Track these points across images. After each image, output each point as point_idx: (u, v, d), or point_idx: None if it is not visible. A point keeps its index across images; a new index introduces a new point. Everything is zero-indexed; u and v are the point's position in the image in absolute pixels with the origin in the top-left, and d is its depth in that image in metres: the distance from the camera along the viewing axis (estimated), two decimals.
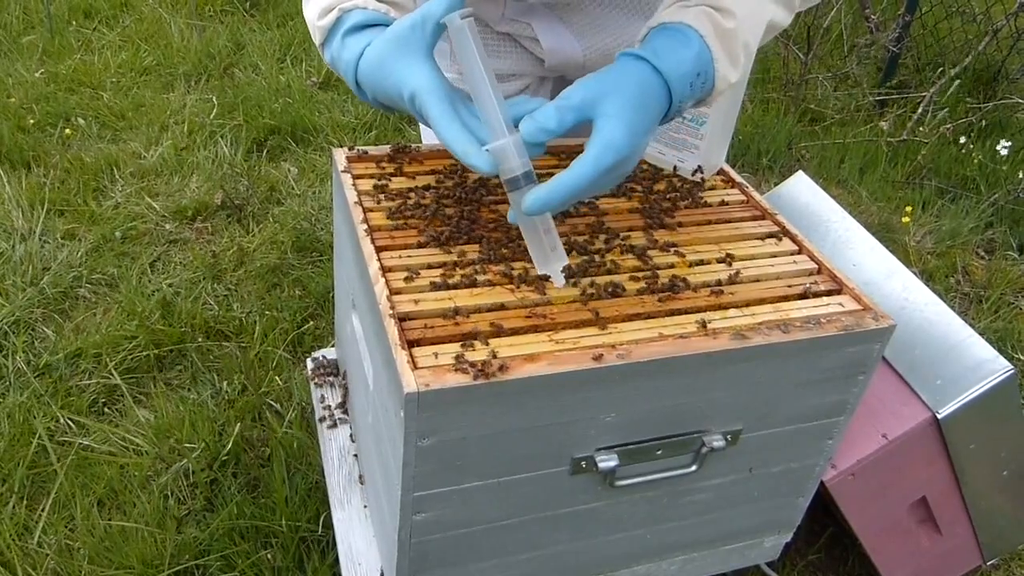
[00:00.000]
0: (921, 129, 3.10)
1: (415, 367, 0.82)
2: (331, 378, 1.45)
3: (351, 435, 1.34)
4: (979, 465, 1.35)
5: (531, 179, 0.83)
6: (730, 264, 1.03)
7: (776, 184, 2.68)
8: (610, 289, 0.95)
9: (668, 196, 1.14)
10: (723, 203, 1.16)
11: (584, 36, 1.16)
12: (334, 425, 1.36)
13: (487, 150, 0.81)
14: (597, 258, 1.00)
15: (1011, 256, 2.58)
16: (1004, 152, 2.86)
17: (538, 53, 1.18)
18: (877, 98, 3.39)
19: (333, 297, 2.11)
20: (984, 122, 3.17)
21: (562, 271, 0.92)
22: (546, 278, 0.94)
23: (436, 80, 0.83)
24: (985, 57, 3.45)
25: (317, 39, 0.95)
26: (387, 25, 0.89)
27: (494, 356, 0.84)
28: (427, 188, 1.09)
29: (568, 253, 1.00)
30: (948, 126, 3.05)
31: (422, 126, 1.39)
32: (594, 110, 0.81)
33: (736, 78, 0.89)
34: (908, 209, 2.65)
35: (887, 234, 2.57)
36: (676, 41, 0.85)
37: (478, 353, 0.84)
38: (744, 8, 0.87)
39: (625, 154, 0.81)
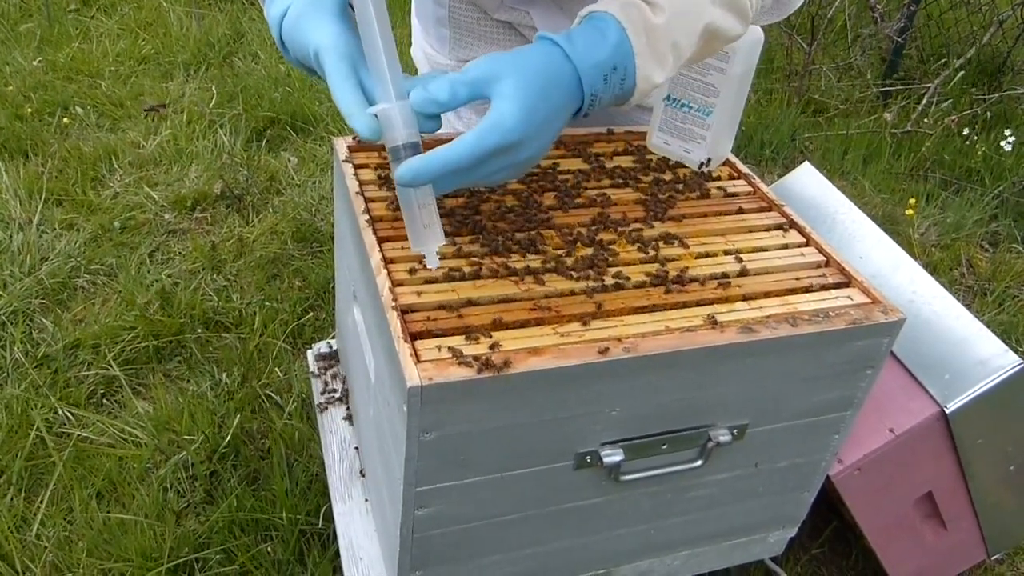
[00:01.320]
0: (925, 121, 3.08)
1: (418, 360, 0.80)
2: (332, 370, 1.44)
3: (348, 416, 1.33)
4: (986, 460, 1.34)
5: (417, 151, 0.78)
6: (737, 256, 1.01)
7: (779, 175, 2.67)
8: (616, 281, 0.93)
9: (674, 187, 1.13)
10: (729, 194, 1.14)
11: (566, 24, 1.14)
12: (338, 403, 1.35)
13: (373, 114, 0.77)
14: (602, 250, 0.98)
15: (1016, 249, 2.57)
16: (1008, 147, 2.84)
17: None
18: (881, 89, 3.36)
19: (333, 288, 2.10)
20: (989, 114, 3.15)
21: (436, 252, 0.86)
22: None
23: (340, 38, 0.79)
24: (990, 48, 3.42)
25: None
26: None
27: (498, 349, 0.82)
28: None
29: (573, 244, 0.98)
30: (952, 118, 3.03)
31: None
32: (490, 88, 0.77)
33: (661, 79, 0.83)
34: (912, 201, 2.63)
35: (891, 226, 2.55)
36: (595, 30, 0.80)
37: (482, 346, 0.83)
38: (677, 5, 0.82)
39: (514, 138, 0.76)
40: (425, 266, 0.92)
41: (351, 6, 0.79)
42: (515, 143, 0.76)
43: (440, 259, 0.92)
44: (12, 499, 1.58)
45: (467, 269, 0.93)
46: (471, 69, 0.78)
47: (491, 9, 1.13)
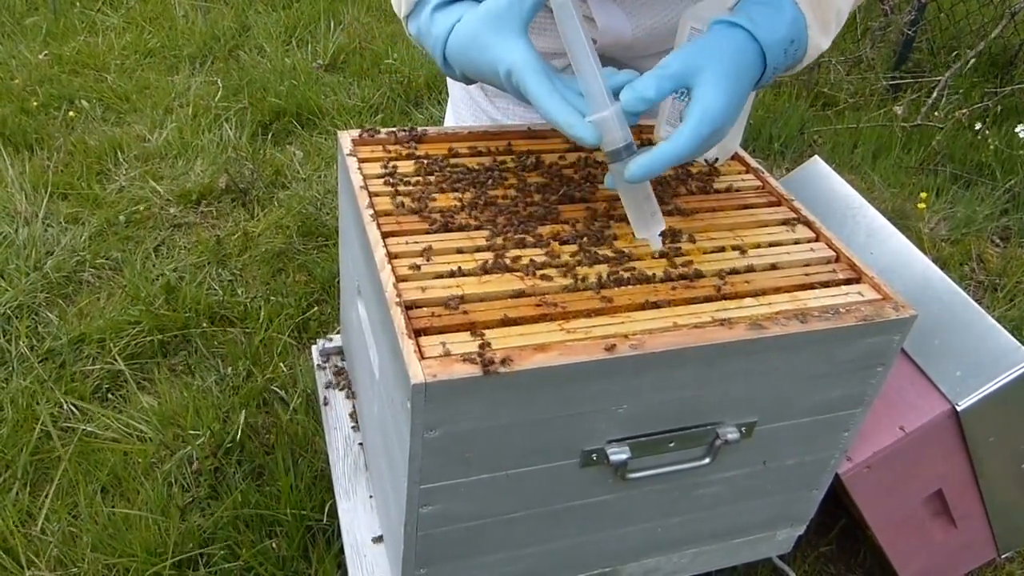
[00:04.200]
0: (936, 114, 3.05)
1: (422, 357, 0.79)
2: (337, 365, 1.43)
3: (352, 412, 1.32)
4: (997, 458, 1.32)
5: (632, 150, 0.84)
6: (745, 252, 1.00)
7: (788, 169, 2.64)
8: (623, 277, 0.92)
9: (682, 181, 1.11)
10: (738, 189, 1.13)
11: (633, 15, 1.13)
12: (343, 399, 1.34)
13: (590, 121, 0.81)
14: (609, 245, 0.97)
15: None
16: (1023, 135, 2.81)
17: (589, 31, 1.15)
18: (891, 82, 3.33)
19: (338, 283, 2.09)
20: (1000, 107, 3.12)
21: (660, 235, 0.93)
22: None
23: (533, 56, 0.83)
24: (1002, 40, 3.39)
25: (402, 11, 0.94)
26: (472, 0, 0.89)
27: (503, 346, 0.81)
28: (435, 172, 1.06)
29: (580, 239, 0.97)
30: (963, 111, 3.00)
31: (448, 110, 1.37)
32: (692, 79, 0.82)
33: (827, 45, 0.90)
34: (923, 195, 2.61)
35: (901, 221, 2.53)
36: (771, 7, 0.85)
37: (486, 343, 0.82)
38: None
39: (721, 122, 0.81)
40: (428, 259, 0.91)
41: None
42: (722, 126, 0.82)
43: (446, 254, 0.91)
44: (17, 493, 1.58)
45: (472, 265, 0.92)
46: (671, 63, 0.82)
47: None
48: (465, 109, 1.30)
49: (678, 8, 1.14)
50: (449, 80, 1.34)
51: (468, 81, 0.93)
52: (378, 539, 1.17)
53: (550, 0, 0.81)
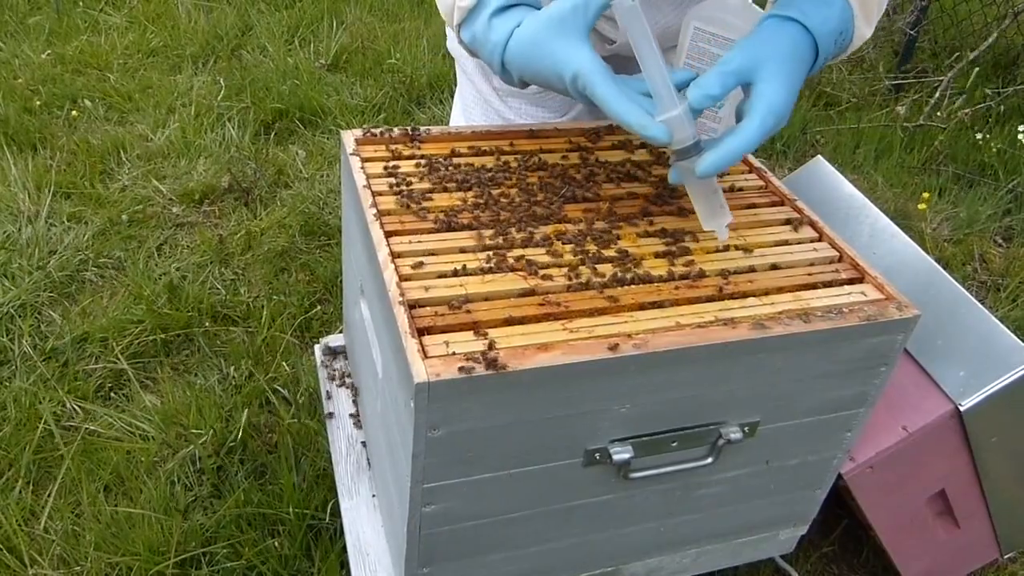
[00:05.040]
0: (938, 114, 3.05)
1: (425, 356, 0.79)
2: (339, 364, 1.43)
3: (355, 411, 1.32)
4: (1000, 458, 1.32)
5: (700, 147, 0.87)
6: (749, 251, 1.00)
7: (790, 169, 2.64)
8: (626, 276, 0.92)
9: None
10: (741, 189, 1.13)
11: (649, 14, 1.14)
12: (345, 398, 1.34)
13: (661, 122, 0.84)
14: (612, 245, 0.97)
15: None
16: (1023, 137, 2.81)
17: (606, 32, 1.16)
18: (893, 82, 3.33)
19: (341, 282, 2.09)
20: (1003, 107, 3.11)
21: (726, 226, 0.95)
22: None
23: (598, 61, 0.85)
24: (1004, 41, 3.38)
25: (455, 19, 0.95)
26: (529, 5, 0.91)
27: (506, 345, 0.81)
28: (438, 171, 1.06)
29: (583, 239, 0.97)
30: (966, 111, 2.99)
31: (456, 111, 1.37)
32: (753, 74, 0.85)
33: (870, 34, 0.93)
34: (925, 196, 2.60)
35: (903, 221, 2.53)
36: (818, 0, 0.89)
37: (490, 342, 0.82)
38: None
39: (783, 114, 0.85)
40: (430, 261, 0.91)
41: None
42: (783, 117, 0.86)
43: (449, 253, 0.91)
44: (20, 492, 1.58)
45: (475, 264, 0.92)
46: (732, 59, 0.86)
47: None
48: (477, 110, 1.30)
49: (689, 7, 1.15)
50: (460, 81, 1.34)
51: (523, 85, 0.94)
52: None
53: (616, 4, 0.82)
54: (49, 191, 2.39)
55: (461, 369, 0.78)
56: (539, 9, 0.91)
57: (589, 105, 0.88)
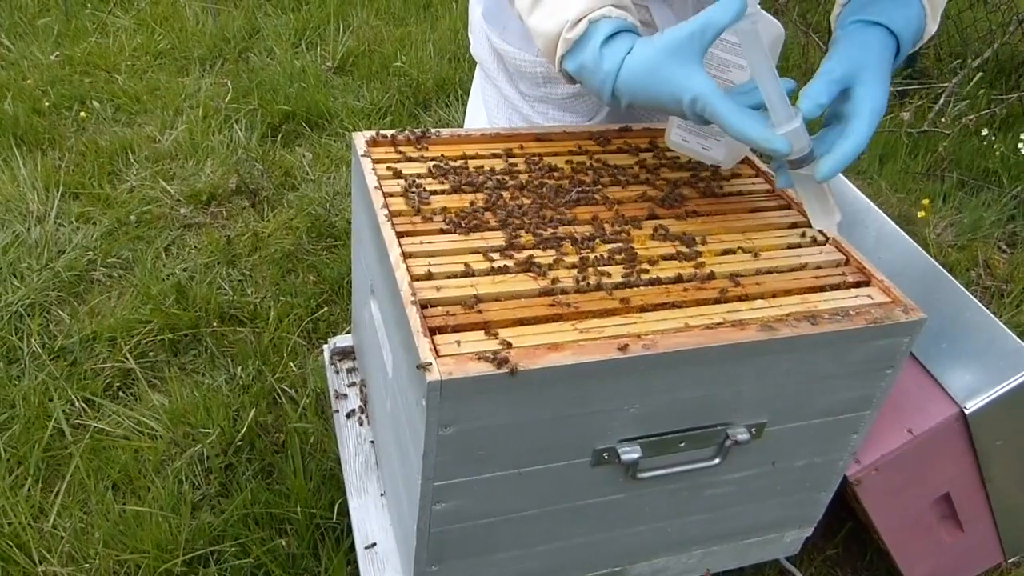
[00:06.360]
0: (942, 120, 3.05)
1: (437, 355, 0.80)
2: (347, 364, 1.44)
3: (363, 409, 1.33)
4: (1005, 462, 1.33)
5: (814, 154, 0.91)
6: (756, 254, 1.01)
7: None
8: (635, 278, 0.93)
9: (693, 184, 1.12)
10: (749, 192, 1.14)
11: (681, 18, 1.16)
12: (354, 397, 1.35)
13: (783, 135, 0.88)
14: (621, 247, 0.98)
15: None
16: None
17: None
18: (898, 88, 3.34)
19: (348, 283, 2.10)
20: (1007, 113, 3.12)
21: (837, 224, 0.98)
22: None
23: (713, 83, 0.89)
24: (1008, 47, 3.39)
25: (559, 51, 0.97)
26: (632, 31, 0.94)
27: (517, 345, 0.82)
28: (448, 173, 1.08)
29: (592, 241, 0.98)
30: (970, 117, 3.00)
31: (470, 114, 1.39)
32: (854, 80, 0.90)
33: (935, 30, 0.99)
34: (925, 202, 2.61)
35: (907, 226, 2.53)
36: (900, 4, 0.95)
37: (501, 342, 0.83)
38: None
39: (883, 113, 0.91)
40: (441, 261, 0.92)
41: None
42: (882, 116, 0.91)
43: (461, 254, 0.92)
44: (29, 490, 1.59)
45: (486, 265, 0.93)
46: (834, 68, 0.91)
47: None
48: (502, 114, 1.31)
49: (705, 4, 1.16)
50: (483, 86, 1.34)
51: (630, 107, 0.97)
52: (370, 546, 1.17)
53: (736, 28, 0.85)
54: (58, 191, 2.41)
55: (473, 368, 0.79)
56: (638, 33, 0.95)
57: (705, 124, 0.92)
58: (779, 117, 0.88)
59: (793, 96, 0.90)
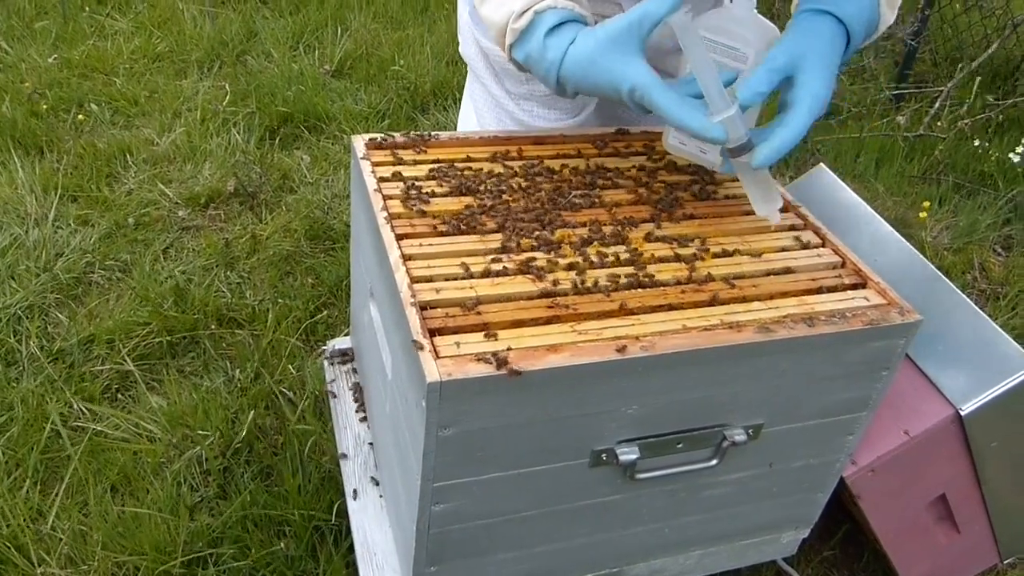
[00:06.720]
0: (938, 124, 3.07)
1: (437, 356, 0.81)
2: (346, 366, 1.45)
3: (361, 410, 1.34)
4: (1000, 463, 1.33)
5: (752, 143, 0.92)
6: (754, 256, 1.02)
7: (792, 178, 2.66)
8: (633, 280, 0.94)
9: (691, 187, 1.13)
10: (745, 195, 1.14)
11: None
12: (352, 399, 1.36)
13: (718, 123, 0.89)
14: (619, 249, 0.99)
15: None
16: (1016, 159, 2.83)
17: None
18: (894, 92, 3.35)
19: (346, 286, 2.10)
20: (1003, 118, 3.13)
21: (778, 210, 1.00)
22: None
23: (653, 73, 0.91)
24: (1004, 52, 3.41)
25: (507, 40, 0.98)
26: (578, 21, 0.95)
27: (516, 347, 0.83)
28: (447, 176, 1.08)
29: (589, 244, 0.99)
30: (966, 122, 3.01)
31: (466, 115, 1.40)
32: (796, 68, 0.90)
33: (892, 20, 0.97)
34: (925, 205, 2.62)
35: (903, 229, 2.53)
36: None
37: (500, 343, 0.83)
38: None
39: (825, 102, 0.90)
40: (440, 263, 0.92)
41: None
42: (824, 106, 0.91)
43: (460, 256, 0.92)
44: (28, 492, 1.59)
45: (484, 267, 0.93)
46: (777, 57, 0.91)
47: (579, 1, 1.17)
48: (489, 112, 1.32)
49: (702, 7, 1.16)
50: (472, 86, 1.36)
51: (575, 95, 0.99)
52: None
53: (671, 20, 0.87)
54: (56, 194, 2.41)
55: (472, 369, 0.80)
56: (586, 23, 0.96)
57: (645, 113, 0.93)
58: (716, 106, 0.89)
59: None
